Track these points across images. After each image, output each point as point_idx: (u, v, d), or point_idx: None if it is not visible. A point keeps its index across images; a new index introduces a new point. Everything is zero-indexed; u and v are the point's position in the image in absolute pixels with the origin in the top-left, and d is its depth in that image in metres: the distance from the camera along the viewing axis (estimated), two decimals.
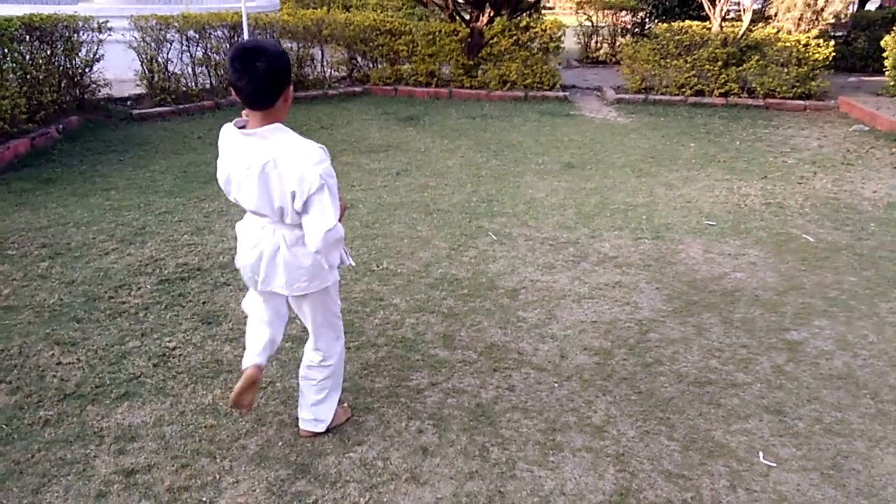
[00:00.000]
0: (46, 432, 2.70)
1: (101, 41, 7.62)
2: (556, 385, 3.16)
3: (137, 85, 8.36)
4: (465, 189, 5.86)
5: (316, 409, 2.69)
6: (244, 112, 2.27)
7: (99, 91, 7.88)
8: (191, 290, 3.89)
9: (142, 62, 8.12)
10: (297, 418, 2.76)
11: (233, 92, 2.16)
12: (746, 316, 3.84)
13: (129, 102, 8.27)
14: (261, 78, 2.09)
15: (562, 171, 6.45)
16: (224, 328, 3.51)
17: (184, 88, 8.42)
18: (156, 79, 8.17)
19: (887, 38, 9.94)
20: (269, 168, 2.16)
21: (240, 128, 2.24)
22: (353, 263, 2.96)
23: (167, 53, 8.23)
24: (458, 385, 3.13)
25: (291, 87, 2.24)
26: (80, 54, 7.45)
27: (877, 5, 14.20)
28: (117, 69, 8.31)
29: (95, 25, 7.54)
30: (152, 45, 8.08)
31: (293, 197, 2.16)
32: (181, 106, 8.14)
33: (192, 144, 6.95)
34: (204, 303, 3.76)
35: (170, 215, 5.00)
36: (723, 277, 4.33)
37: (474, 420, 2.89)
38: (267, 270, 2.38)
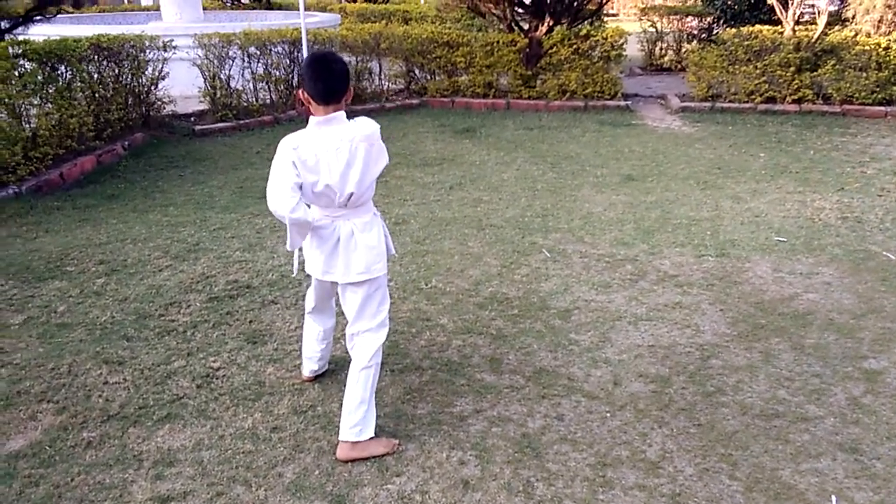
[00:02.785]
0: (88, 455, 2.70)
1: (166, 59, 7.84)
2: (608, 415, 2.98)
3: (201, 101, 8.56)
4: (520, 203, 5.72)
5: (364, 417, 2.72)
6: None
7: (164, 108, 8.10)
8: (239, 308, 3.88)
9: (205, 79, 8.31)
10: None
11: (304, 94, 2.52)
12: (819, 342, 3.56)
13: (192, 118, 8.48)
14: (336, 76, 2.51)
15: (621, 184, 6.23)
16: (269, 348, 3.48)
17: (245, 104, 8.57)
18: (218, 95, 8.35)
19: None
20: (358, 144, 2.50)
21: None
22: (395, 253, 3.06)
23: (229, 70, 8.40)
24: (504, 413, 2.99)
25: (351, 91, 2.64)
26: (146, 72, 7.68)
27: None
28: (182, 86, 8.55)
29: (161, 44, 7.75)
30: (215, 62, 8.26)
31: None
32: (241, 121, 8.30)
33: (250, 159, 7.05)
34: (251, 321, 3.74)
35: (223, 231, 5.05)
36: (793, 299, 4.04)
37: (519, 451, 2.74)
38: (345, 259, 2.65)
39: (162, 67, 7.83)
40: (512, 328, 3.71)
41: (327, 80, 2.49)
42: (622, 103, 9.45)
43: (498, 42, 9.56)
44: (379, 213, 2.81)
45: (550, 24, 9.55)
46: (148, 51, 7.68)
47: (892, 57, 8.78)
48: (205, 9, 14.49)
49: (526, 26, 9.92)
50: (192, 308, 3.88)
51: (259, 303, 3.95)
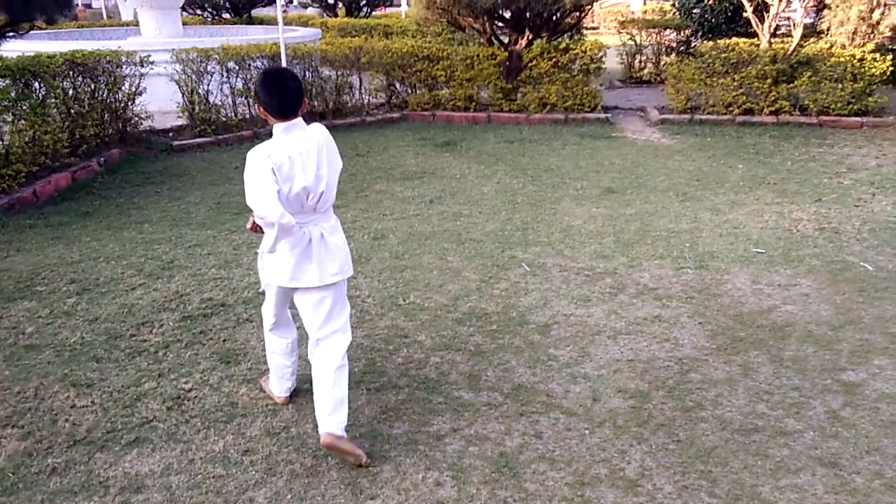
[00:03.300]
0: (52, 482, 2.62)
1: (143, 75, 7.77)
2: (586, 432, 2.94)
3: (179, 116, 8.48)
4: (500, 217, 5.69)
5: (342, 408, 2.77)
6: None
7: (141, 123, 8.02)
8: (212, 328, 3.81)
9: (183, 94, 8.24)
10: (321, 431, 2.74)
11: (261, 109, 2.64)
12: (798, 354, 3.56)
13: (170, 134, 8.40)
14: (290, 92, 2.59)
15: (601, 197, 6.23)
16: (242, 368, 3.41)
17: (223, 119, 8.51)
18: (196, 110, 8.28)
19: None
20: (322, 144, 2.64)
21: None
22: None
23: (208, 85, 8.34)
24: (482, 431, 2.94)
25: (306, 102, 2.76)
26: (122, 88, 7.60)
27: None
28: (161, 101, 8.47)
29: (138, 60, 7.68)
30: (193, 77, 8.20)
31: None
32: (220, 136, 8.23)
33: (228, 174, 6.98)
34: (224, 340, 3.67)
35: (199, 248, 4.97)
36: (772, 311, 4.04)
37: (496, 471, 2.69)
38: (319, 263, 2.70)
39: (139, 83, 7.75)
40: (490, 344, 3.67)
41: (282, 96, 2.59)
42: (602, 116, 9.49)
43: (478, 56, 9.58)
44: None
45: (530, 37, 9.58)
46: (125, 66, 7.61)
47: (866, 68, 8.89)
48: (185, 24, 14.44)
49: (506, 40, 9.95)
50: (165, 327, 3.80)
51: (233, 321, 3.89)
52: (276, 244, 2.61)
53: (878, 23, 8.90)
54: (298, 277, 2.71)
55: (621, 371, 3.41)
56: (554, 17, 9.68)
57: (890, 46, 10.33)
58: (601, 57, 9.58)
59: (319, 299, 2.76)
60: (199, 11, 18.58)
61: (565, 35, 10.55)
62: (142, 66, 7.72)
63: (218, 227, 5.43)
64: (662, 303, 4.15)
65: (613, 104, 10.63)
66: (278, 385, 3.13)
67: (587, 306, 4.10)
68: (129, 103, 7.77)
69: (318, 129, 2.69)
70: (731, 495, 2.57)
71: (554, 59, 9.40)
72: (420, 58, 9.61)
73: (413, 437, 2.90)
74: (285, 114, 2.60)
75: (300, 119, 2.65)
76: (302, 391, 3.20)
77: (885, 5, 8.76)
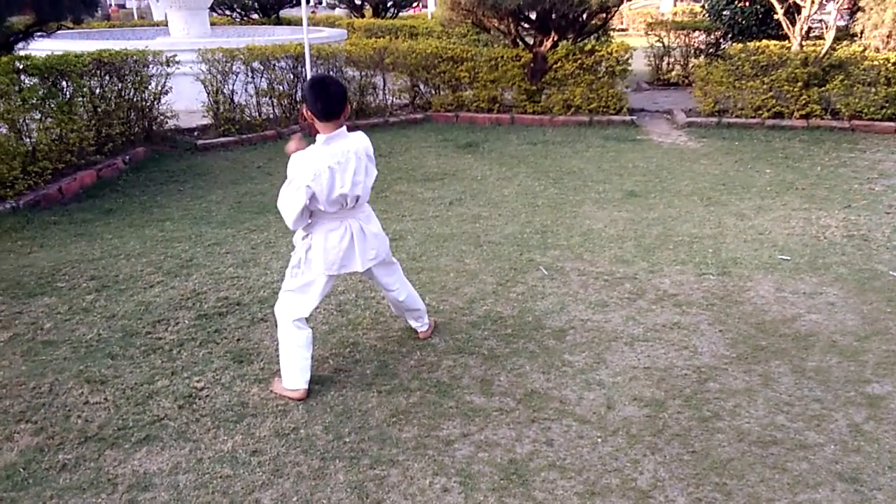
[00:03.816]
0: (62, 478, 2.63)
1: (169, 74, 7.85)
2: (599, 440, 2.88)
3: (204, 116, 8.57)
4: (520, 219, 5.64)
5: (423, 316, 3.64)
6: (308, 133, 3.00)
7: (167, 122, 8.11)
8: (227, 326, 3.82)
9: (208, 94, 8.32)
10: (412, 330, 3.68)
11: (308, 113, 2.93)
12: (821, 365, 3.46)
13: (195, 133, 8.48)
14: (333, 97, 2.89)
15: (623, 200, 6.15)
16: (255, 367, 3.41)
17: (248, 119, 8.57)
18: (221, 110, 8.35)
19: None
20: (360, 154, 2.98)
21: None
22: None
23: (233, 85, 8.41)
24: (492, 437, 2.90)
25: (349, 108, 3.04)
26: (149, 87, 7.69)
27: None
28: (187, 101, 8.56)
29: (164, 59, 7.77)
30: (218, 76, 8.27)
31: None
32: (244, 136, 8.28)
33: (250, 174, 7.02)
34: (238, 339, 3.68)
35: (218, 247, 5.00)
36: (796, 319, 3.94)
37: (505, 479, 2.65)
38: (361, 249, 3.11)
39: (165, 82, 7.84)
40: (505, 348, 3.63)
41: (326, 100, 2.88)
42: (627, 118, 9.38)
43: (502, 57, 9.53)
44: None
45: (555, 39, 9.51)
46: (151, 66, 7.69)
47: None
48: (213, 24, 14.60)
49: (531, 41, 9.89)
50: (181, 325, 3.82)
51: (248, 320, 3.89)
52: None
53: None
54: (346, 265, 3.12)
55: (637, 379, 3.34)
56: (580, 19, 9.60)
57: None
58: (627, 59, 9.47)
59: (377, 269, 3.32)
60: (227, 12, 18.80)
61: (591, 37, 10.45)
62: (168, 65, 7.80)
63: (238, 227, 5.45)
64: (682, 309, 4.07)
65: (640, 106, 10.50)
66: (300, 376, 3.12)
67: (605, 312, 4.04)
68: (155, 102, 7.86)
69: (360, 138, 3.02)
70: None
71: (579, 61, 9.31)
72: (444, 59, 9.59)
73: (422, 442, 2.86)
74: (329, 117, 2.89)
75: (343, 129, 2.95)
76: (312, 393, 3.19)
77: None
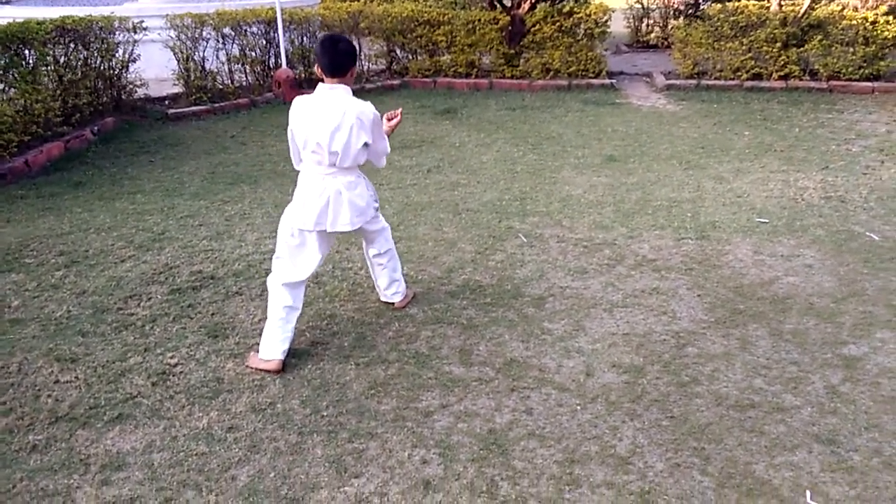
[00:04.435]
0: (32, 459, 2.58)
1: (136, 41, 7.61)
2: (578, 408, 2.88)
3: (175, 84, 8.34)
4: (498, 186, 5.58)
5: (398, 284, 3.65)
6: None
7: (136, 92, 7.89)
8: (201, 301, 3.75)
9: (178, 61, 8.09)
10: (383, 300, 3.67)
11: (317, 67, 3.04)
12: (798, 327, 3.47)
13: (166, 102, 8.27)
14: (341, 54, 2.99)
15: (602, 165, 6.10)
16: (230, 342, 3.35)
17: (220, 87, 8.37)
18: (192, 77, 8.14)
19: None
20: (350, 115, 2.98)
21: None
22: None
23: (203, 51, 8.18)
24: (471, 407, 2.88)
25: (356, 68, 3.14)
26: (116, 55, 7.45)
27: None
28: (156, 69, 8.32)
29: (131, 26, 7.52)
30: (188, 43, 8.04)
31: (365, 141, 3.06)
32: (217, 104, 8.09)
33: (224, 144, 6.87)
34: (213, 314, 3.61)
35: (191, 219, 4.90)
36: (773, 282, 3.94)
37: (485, 449, 2.64)
38: (334, 212, 3.10)
39: (132, 50, 7.61)
40: (484, 317, 3.60)
41: (333, 56, 2.98)
42: (607, 82, 9.28)
43: (480, 20, 9.35)
44: (364, 176, 3.26)
45: (533, 0, 9.34)
46: (118, 33, 7.45)
47: (879, 31, 8.65)
48: None
49: (508, 3, 9.72)
50: (153, 301, 3.75)
51: (223, 294, 3.82)
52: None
53: None
54: (321, 223, 3.10)
55: (616, 345, 3.33)
56: None
57: None
58: (606, 21, 9.34)
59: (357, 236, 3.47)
60: None
61: None
62: (135, 32, 7.56)
63: (211, 198, 5.34)
64: (661, 274, 4.06)
65: (619, 69, 10.41)
66: (279, 346, 3.11)
67: (584, 278, 4.02)
68: (123, 71, 7.64)
69: (358, 104, 3.01)
70: (724, 473, 2.51)
71: (558, 24, 9.17)
72: (420, 22, 9.41)
73: (401, 414, 2.84)
74: (333, 73, 3.00)
75: (344, 87, 3.01)
76: (290, 366, 3.15)
77: None
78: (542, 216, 4.94)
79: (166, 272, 4.08)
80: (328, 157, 3.02)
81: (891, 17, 8.69)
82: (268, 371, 3.09)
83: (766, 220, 4.81)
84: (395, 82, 9.46)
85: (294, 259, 3.19)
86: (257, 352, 3.17)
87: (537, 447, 2.65)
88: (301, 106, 3.04)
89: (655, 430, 2.73)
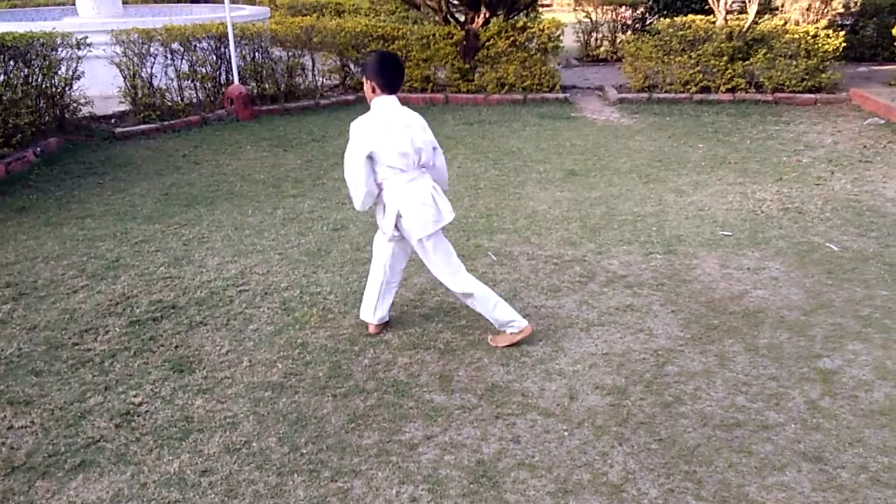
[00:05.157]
0: None
1: (80, 58, 7.31)
2: (565, 433, 2.82)
3: (121, 102, 8.04)
4: (463, 203, 5.52)
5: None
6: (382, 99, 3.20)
7: (80, 110, 7.57)
8: (163, 333, 3.56)
9: (124, 78, 7.81)
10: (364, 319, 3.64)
11: (369, 83, 3.19)
12: (772, 341, 3.50)
13: (112, 120, 7.96)
14: (401, 72, 3.23)
15: (564, 180, 6.11)
16: (197, 377, 3.19)
17: (169, 104, 8.10)
18: (139, 95, 7.85)
19: None
20: (417, 119, 3.26)
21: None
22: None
23: (151, 68, 7.91)
24: (457, 437, 2.80)
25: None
26: (59, 73, 7.13)
27: None
28: (101, 86, 8.02)
29: (74, 42, 7.22)
30: (135, 59, 7.76)
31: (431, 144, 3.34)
32: (166, 122, 7.83)
33: (176, 163, 6.63)
34: (177, 347, 3.43)
35: (146, 244, 4.68)
36: (743, 296, 3.98)
37: (475, 482, 2.55)
38: (442, 205, 3.30)
39: (77, 67, 7.30)
40: (461, 340, 3.52)
41: (398, 73, 3.19)
42: (561, 95, 9.36)
43: (434, 35, 9.33)
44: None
45: (486, 15, 9.37)
46: (60, 49, 7.13)
47: (820, 45, 8.95)
48: (125, 3, 13.76)
49: (462, 18, 9.73)
50: (111, 334, 3.54)
51: (186, 325, 3.64)
52: (367, 201, 3.31)
53: None
54: (439, 220, 3.28)
55: (597, 366, 3.29)
56: None
57: (842, 23, 10.45)
58: (559, 35, 9.43)
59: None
60: None
61: (522, 13, 10.36)
62: (79, 48, 7.26)
63: (166, 221, 5.13)
64: (633, 291, 4.05)
65: (571, 83, 10.52)
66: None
67: (557, 297, 3.98)
68: (67, 89, 7.31)
69: (412, 112, 3.26)
70: (718, 497, 2.48)
71: (511, 38, 9.21)
72: (374, 37, 9.33)
73: (385, 448, 2.73)
74: (394, 88, 3.18)
75: (396, 98, 3.20)
76: (264, 401, 3.00)
77: None
78: (510, 233, 4.90)
79: (123, 302, 3.87)
80: (415, 158, 3.19)
81: (831, 31, 9.02)
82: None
83: (730, 233, 4.87)
84: (351, 98, 9.34)
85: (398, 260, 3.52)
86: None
87: (528, 477, 2.57)
88: (377, 125, 3.14)
89: (645, 455, 2.69)
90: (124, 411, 2.93)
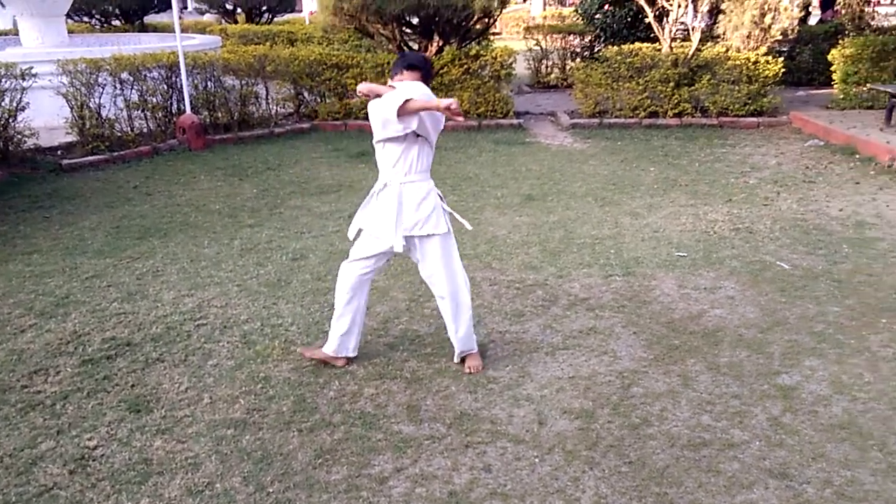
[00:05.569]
0: None
1: (25, 89, 7.11)
2: (536, 460, 2.80)
3: (68, 133, 7.83)
4: None
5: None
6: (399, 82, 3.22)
7: (25, 142, 7.33)
8: (118, 371, 3.43)
9: (71, 108, 7.61)
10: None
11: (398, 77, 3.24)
12: (733, 360, 3.56)
13: (59, 152, 7.74)
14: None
15: (522, 205, 6.17)
16: (155, 416, 3.07)
17: (119, 134, 7.93)
18: (87, 126, 7.66)
19: (834, 52, 10.05)
20: None
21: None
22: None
23: (99, 98, 7.74)
24: (427, 469, 2.75)
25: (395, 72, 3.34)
26: (2, 104, 6.92)
27: (817, 20, 14.46)
28: (46, 117, 7.80)
29: (18, 72, 7.02)
30: (82, 89, 7.59)
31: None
32: (116, 153, 7.64)
33: (126, 195, 6.47)
34: (132, 386, 3.31)
35: (98, 279, 4.53)
36: (702, 316, 4.05)
37: None
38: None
39: (21, 97, 7.09)
40: (427, 369, 3.49)
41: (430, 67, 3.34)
42: (515, 121, 9.50)
43: (388, 63, 9.35)
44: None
45: (440, 44, 9.49)
46: (4, 80, 6.93)
47: (760, 70, 9.31)
48: (71, 32, 13.49)
49: (416, 47, 9.81)
50: (62, 375, 3.40)
51: (142, 362, 3.52)
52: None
53: (769, 27, 9.33)
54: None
55: (564, 390, 3.30)
56: (463, 24, 9.62)
57: (781, 49, 10.89)
58: (511, 63, 9.59)
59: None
60: (86, 19, 17.48)
61: (474, 41, 10.52)
62: (23, 79, 7.06)
63: (118, 255, 4.98)
64: (596, 313, 4.09)
65: (524, 109, 10.68)
66: (353, 341, 3.43)
67: (521, 322, 3.99)
68: (11, 120, 7.09)
69: None
70: None
71: (465, 66, 9.33)
72: (329, 66, 9.33)
73: (354, 483, 2.67)
74: (427, 80, 3.28)
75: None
76: (227, 439, 2.91)
77: (776, 10, 9.19)
78: (471, 259, 4.91)
79: (75, 341, 3.73)
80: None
81: (770, 57, 9.40)
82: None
83: (685, 254, 4.98)
84: (305, 126, 9.29)
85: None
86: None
87: None
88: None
89: (616, 478, 2.70)
90: (78, 456, 2.80)
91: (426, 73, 3.29)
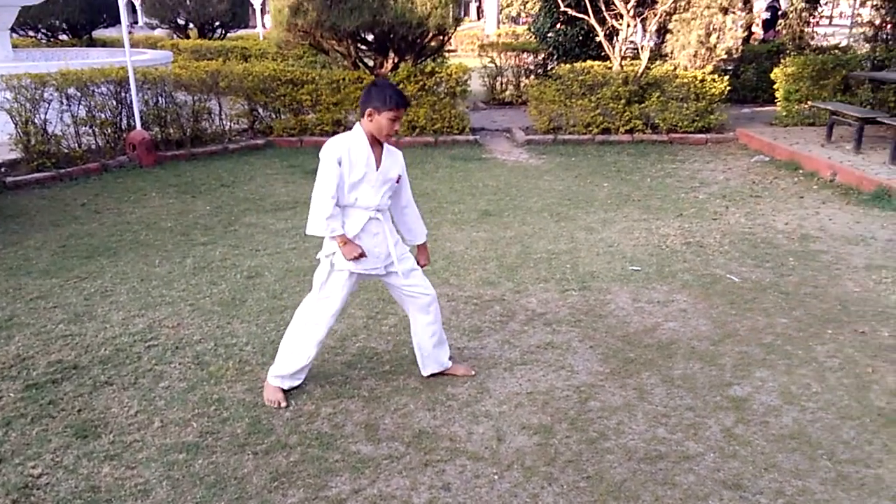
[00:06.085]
0: None
1: None
2: (496, 477, 2.80)
3: (12, 150, 7.58)
4: None
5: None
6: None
7: None
8: (64, 396, 3.31)
9: (16, 125, 7.38)
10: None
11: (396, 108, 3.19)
12: (686, 372, 3.63)
13: (2, 169, 7.48)
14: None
15: (480, 220, 6.20)
16: (103, 442, 2.97)
17: (66, 150, 7.71)
18: (32, 142, 7.43)
19: (776, 70, 10.41)
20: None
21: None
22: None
23: (45, 114, 7.52)
24: (386, 489, 2.72)
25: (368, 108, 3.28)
26: None
27: (760, 39, 14.98)
28: None
29: None
30: (27, 105, 7.36)
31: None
32: (63, 170, 7.42)
33: (74, 213, 6.29)
34: (79, 410, 3.20)
35: (43, 301, 4.38)
36: (656, 329, 4.12)
37: None
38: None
39: None
40: (385, 387, 3.46)
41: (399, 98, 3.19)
42: (471, 137, 9.57)
43: (344, 79, 9.36)
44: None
45: (395, 60, 9.52)
46: None
47: (707, 88, 9.60)
48: (15, 47, 13.12)
49: (371, 63, 9.83)
50: (5, 400, 3.26)
51: (89, 386, 3.41)
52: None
53: (714, 46, 9.63)
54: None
55: (522, 405, 3.31)
56: (418, 41, 9.68)
57: (726, 68, 11.25)
58: (466, 80, 9.67)
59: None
60: (31, 33, 17.02)
61: (430, 58, 10.58)
62: None
63: (64, 275, 4.82)
64: (553, 328, 4.12)
65: (480, 125, 10.78)
66: (294, 380, 3.33)
67: (479, 338, 4.00)
68: None
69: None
70: None
71: (421, 83, 9.37)
72: (283, 82, 9.26)
73: None
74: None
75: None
76: (179, 464, 2.83)
77: (721, 30, 9.50)
78: (429, 275, 4.86)
79: (18, 365, 3.59)
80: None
81: (716, 76, 9.69)
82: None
83: (639, 268, 5.06)
84: (260, 142, 9.19)
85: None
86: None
87: None
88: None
89: (575, 493, 2.71)
90: (22, 485, 2.68)
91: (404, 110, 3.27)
